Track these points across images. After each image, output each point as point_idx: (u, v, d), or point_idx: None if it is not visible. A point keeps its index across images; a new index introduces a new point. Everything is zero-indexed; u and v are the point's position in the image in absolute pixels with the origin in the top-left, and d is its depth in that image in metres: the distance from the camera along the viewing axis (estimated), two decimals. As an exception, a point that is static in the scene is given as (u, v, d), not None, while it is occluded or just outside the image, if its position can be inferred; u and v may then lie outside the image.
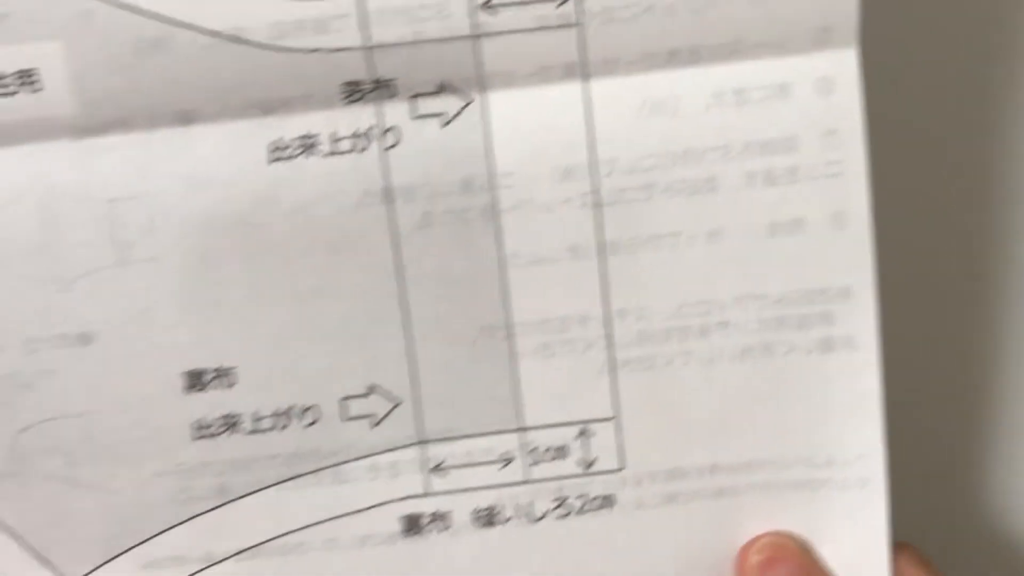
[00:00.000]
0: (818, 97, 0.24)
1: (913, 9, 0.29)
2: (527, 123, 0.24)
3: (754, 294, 0.25)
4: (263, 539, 0.26)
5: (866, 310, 0.25)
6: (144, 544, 0.26)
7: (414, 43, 0.24)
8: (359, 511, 0.26)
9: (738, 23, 0.24)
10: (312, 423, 0.26)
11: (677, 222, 0.25)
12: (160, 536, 0.26)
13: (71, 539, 0.26)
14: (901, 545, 0.27)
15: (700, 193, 0.25)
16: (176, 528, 0.26)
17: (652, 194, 0.25)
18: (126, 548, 0.26)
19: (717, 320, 0.25)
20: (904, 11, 0.29)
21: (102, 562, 0.26)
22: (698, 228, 0.25)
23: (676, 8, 0.23)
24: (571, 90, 0.24)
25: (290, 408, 0.25)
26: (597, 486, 0.26)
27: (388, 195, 0.25)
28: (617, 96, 0.24)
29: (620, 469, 0.26)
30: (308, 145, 0.24)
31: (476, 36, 0.24)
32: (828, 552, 0.26)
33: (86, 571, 0.26)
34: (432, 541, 0.26)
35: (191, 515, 0.26)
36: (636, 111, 0.24)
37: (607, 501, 0.26)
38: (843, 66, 0.24)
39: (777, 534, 0.26)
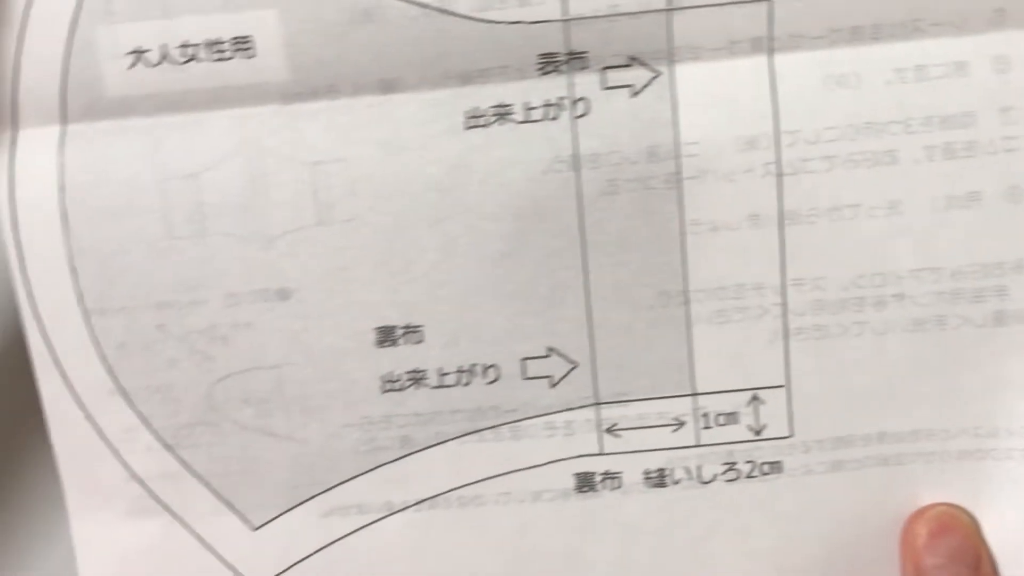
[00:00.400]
0: (995, 75, 0.25)
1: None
2: (713, 95, 0.25)
3: (930, 267, 0.26)
4: (441, 490, 0.27)
5: None
6: (327, 492, 0.27)
7: (609, 16, 0.25)
8: (535, 467, 0.27)
9: (918, 3, 0.24)
10: (493, 381, 0.27)
11: (856, 193, 0.25)
12: (343, 485, 0.27)
13: (257, 486, 0.27)
14: None
15: (880, 165, 0.25)
16: (359, 477, 0.27)
17: (833, 165, 0.25)
18: (309, 496, 0.27)
19: (892, 292, 0.26)
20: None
21: (285, 509, 0.28)
22: (877, 200, 0.25)
23: None
24: (757, 63, 0.25)
25: (473, 366, 0.27)
26: (766, 452, 0.27)
27: (576, 162, 0.26)
28: (801, 70, 0.25)
29: (789, 436, 0.27)
30: (502, 114, 0.26)
31: (669, 10, 0.25)
32: (990, 523, 0.27)
33: (269, 517, 0.28)
34: (603, 499, 0.27)
35: (374, 465, 0.27)
36: (819, 85, 0.25)
37: (775, 467, 0.27)
38: (1018, 46, 0.25)
39: (947, 505, 0.27)
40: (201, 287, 0.26)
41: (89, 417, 0.27)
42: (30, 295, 0.27)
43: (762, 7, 0.25)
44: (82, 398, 0.27)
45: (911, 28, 0.25)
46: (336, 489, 0.27)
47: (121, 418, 0.27)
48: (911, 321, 0.26)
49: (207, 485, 0.27)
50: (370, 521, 0.28)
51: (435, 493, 0.27)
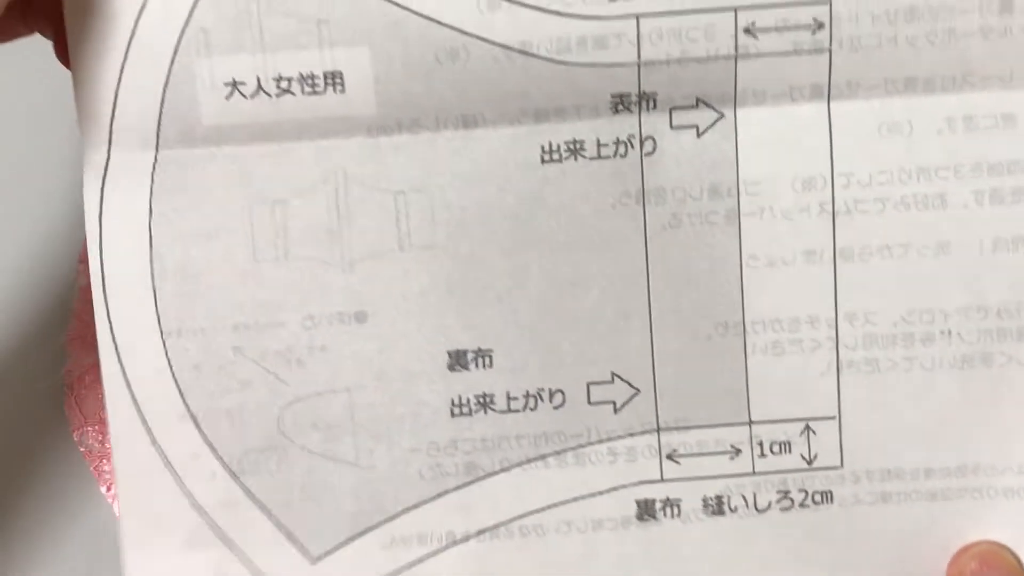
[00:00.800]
0: None
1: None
2: (773, 137, 0.27)
3: (977, 305, 0.27)
4: (504, 519, 0.28)
5: None
6: (389, 522, 0.28)
7: (680, 60, 0.27)
8: (597, 494, 0.28)
9: (971, 57, 0.26)
10: (559, 406, 0.28)
11: (907, 233, 0.27)
12: (406, 513, 0.28)
13: (319, 515, 0.28)
14: None
15: (930, 208, 0.27)
16: (423, 505, 0.28)
17: (885, 207, 0.27)
18: (371, 525, 0.28)
19: (940, 328, 0.27)
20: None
21: (345, 539, 0.28)
22: (927, 240, 0.27)
23: (917, 40, 0.26)
24: (815, 109, 0.27)
25: (540, 390, 0.28)
26: (818, 481, 0.28)
27: (642, 197, 0.27)
28: (856, 116, 0.27)
29: (839, 467, 0.28)
30: (575, 150, 0.27)
31: (736, 57, 0.27)
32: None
33: (329, 548, 0.28)
34: (664, 527, 0.28)
35: (439, 492, 0.28)
36: (873, 131, 0.27)
37: (826, 496, 0.28)
38: None
39: (992, 543, 0.28)
40: (280, 309, 0.27)
41: (155, 442, 0.28)
42: (108, 316, 0.28)
43: (823, 57, 0.27)
44: (150, 422, 0.28)
45: (961, 81, 0.27)
46: (399, 518, 0.28)
47: (188, 444, 0.28)
48: (959, 358, 0.27)
49: (268, 514, 0.28)
50: (431, 552, 0.28)
51: (498, 522, 0.28)
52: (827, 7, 0.26)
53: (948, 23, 0.26)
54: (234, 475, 0.28)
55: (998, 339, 0.27)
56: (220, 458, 0.28)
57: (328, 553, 0.28)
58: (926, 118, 0.27)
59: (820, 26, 0.26)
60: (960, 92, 0.27)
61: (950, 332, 0.27)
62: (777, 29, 0.26)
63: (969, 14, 0.26)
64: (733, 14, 0.26)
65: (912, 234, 0.27)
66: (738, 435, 0.28)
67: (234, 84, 0.27)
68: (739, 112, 0.27)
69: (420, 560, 0.28)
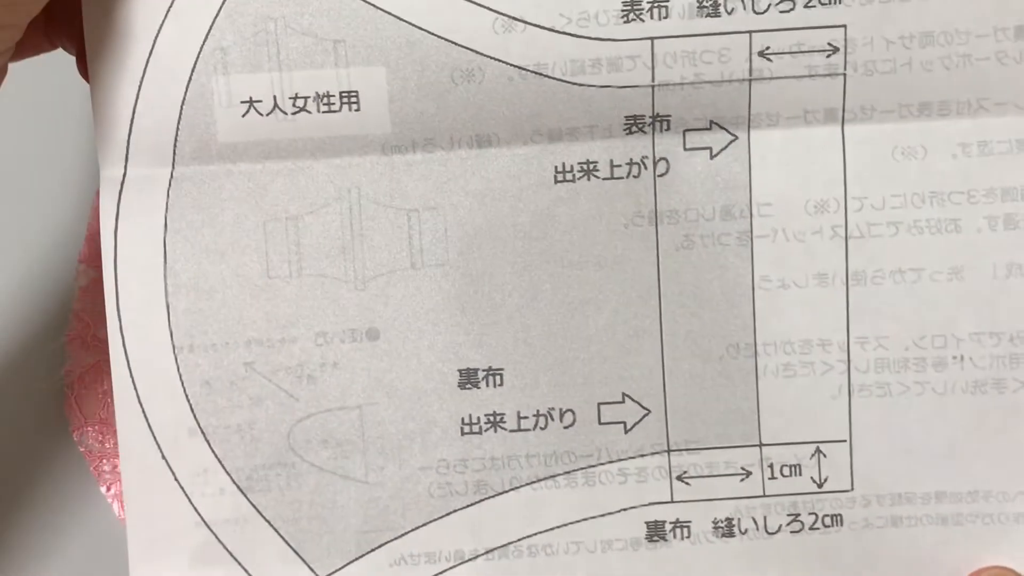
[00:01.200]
0: None
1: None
2: (786, 159, 0.27)
3: (990, 331, 0.27)
4: (513, 539, 0.28)
5: None
6: (397, 540, 0.28)
7: (694, 83, 0.27)
8: (607, 514, 0.28)
9: (985, 82, 0.27)
10: (570, 425, 0.28)
11: (920, 258, 0.27)
12: (414, 532, 0.28)
13: (327, 533, 0.28)
14: None
15: (943, 233, 0.27)
16: (431, 524, 0.28)
17: (898, 230, 0.27)
18: (379, 544, 0.28)
19: (953, 353, 0.27)
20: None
21: (353, 558, 0.28)
22: (940, 265, 0.27)
23: (932, 64, 0.26)
24: (829, 132, 0.27)
25: (551, 410, 0.28)
26: (827, 504, 0.28)
27: (655, 217, 0.27)
28: (870, 140, 0.27)
29: (850, 490, 0.28)
30: (588, 170, 0.27)
31: (750, 80, 0.27)
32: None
33: (336, 567, 0.28)
34: (673, 548, 0.28)
35: (447, 511, 0.28)
36: (887, 155, 0.27)
37: (836, 520, 0.28)
38: None
39: (1001, 568, 0.28)
40: (293, 325, 0.28)
41: (165, 457, 0.28)
42: (120, 331, 0.28)
43: (837, 81, 0.27)
44: (159, 437, 0.28)
45: (976, 107, 0.27)
46: (407, 536, 0.28)
47: (197, 459, 0.28)
48: (971, 383, 0.27)
49: (276, 531, 0.28)
50: (440, 571, 0.28)
51: (506, 541, 0.28)
52: (842, 31, 0.26)
53: (963, 48, 0.26)
54: (243, 491, 0.28)
55: (1011, 365, 0.27)
56: (229, 474, 0.28)
57: (335, 571, 0.28)
58: (940, 142, 0.27)
59: (835, 50, 0.26)
60: (975, 117, 0.27)
61: (963, 357, 0.27)
62: (792, 53, 0.26)
63: (985, 39, 0.26)
64: (748, 37, 0.26)
65: (925, 258, 0.27)
66: (749, 457, 0.28)
67: (251, 102, 0.27)
68: (753, 134, 0.27)
69: None
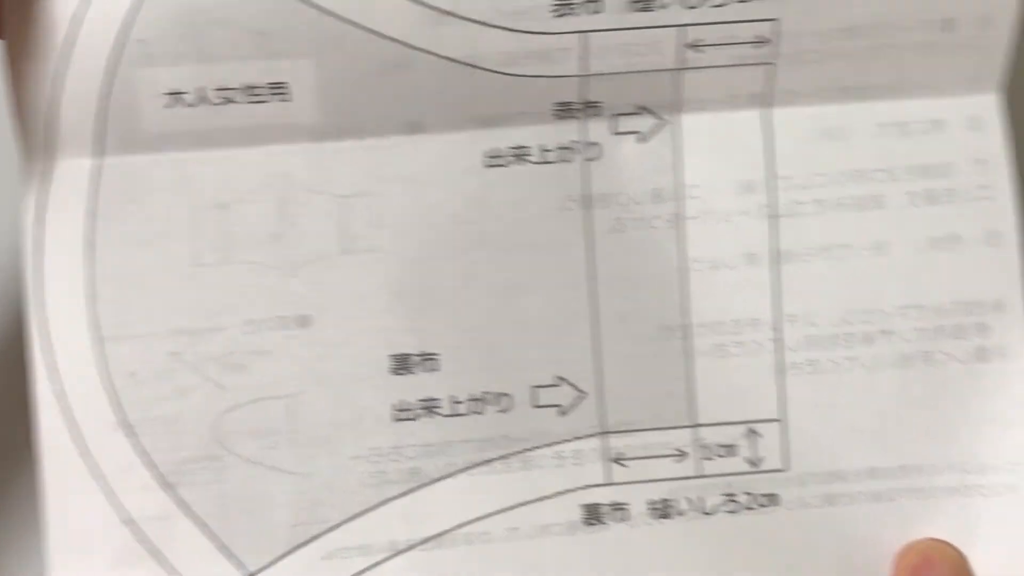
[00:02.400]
0: (969, 132, 0.28)
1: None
2: (714, 142, 0.28)
3: (915, 304, 0.28)
4: (449, 527, 0.27)
5: (1018, 322, 0.27)
6: (329, 532, 0.27)
7: (625, 73, 0.27)
8: (544, 498, 0.28)
9: (903, 69, 0.27)
10: (505, 410, 0.28)
11: (846, 234, 0.28)
12: (347, 524, 0.27)
13: (257, 527, 0.27)
14: None
15: (867, 209, 0.28)
16: (364, 514, 0.27)
17: (823, 209, 0.28)
18: (311, 537, 0.27)
19: (880, 328, 0.28)
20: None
21: (283, 552, 0.27)
22: (865, 240, 0.28)
23: (856, 54, 0.27)
24: (755, 115, 0.28)
25: (486, 394, 0.27)
26: (763, 484, 0.28)
27: (587, 201, 0.28)
28: (795, 122, 0.28)
29: (784, 469, 0.28)
30: (520, 155, 0.27)
31: (680, 69, 0.27)
32: (979, 559, 0.28)
33: (266, 562, 0.27)
34: (611, 531, 0.28)
35: (381, 500, 0.27)
36: (811, 136, 0.28)
37: (772, 499, 0.28)
38: (989, 108, 0.28)
39: (934, 540, 0.28)
40: (221, 314, 0.27)
41: (86, 453, 0.27)
42: (43, 323, 0.27)
43: (764, 68, 0.27)
44: (82, 432, 0.27)
45: (895, 90, 0.28)
46: (340, 528, 0.27)
47: (120, 455, 0.27)
48: (899, 357, 0.28)
49: (203, 527, 0.27)
50: (374, 563, 0.27)
51: (442, 530, 0.28)
52: (772, 24, 0.27)
53: (889, 39, 0.27)
54: (168, 486, 0.27)
55: (937, 338, 0.28)
56: (154, 468, 0.27)
57: (265, 567, 0.27)
58: (862, 124, 0.28)
59: (765, 42, 0.27)
60: (894, 99, 0.28)
61: (890, 332, 0.28)
62: (722, 44, 0.27)
63: (911, 31, 0.27)
64: (679, 31, 0.27)
65: (850, 235, 0.28)
66: (683, 438, 0.28)
67: (176, 93, 0.27)
68: (682, 119, 0.28)
69: (362, 572, 0.27)
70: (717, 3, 0.27)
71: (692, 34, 0.27)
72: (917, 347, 0.28)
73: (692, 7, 0.27)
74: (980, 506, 0.28)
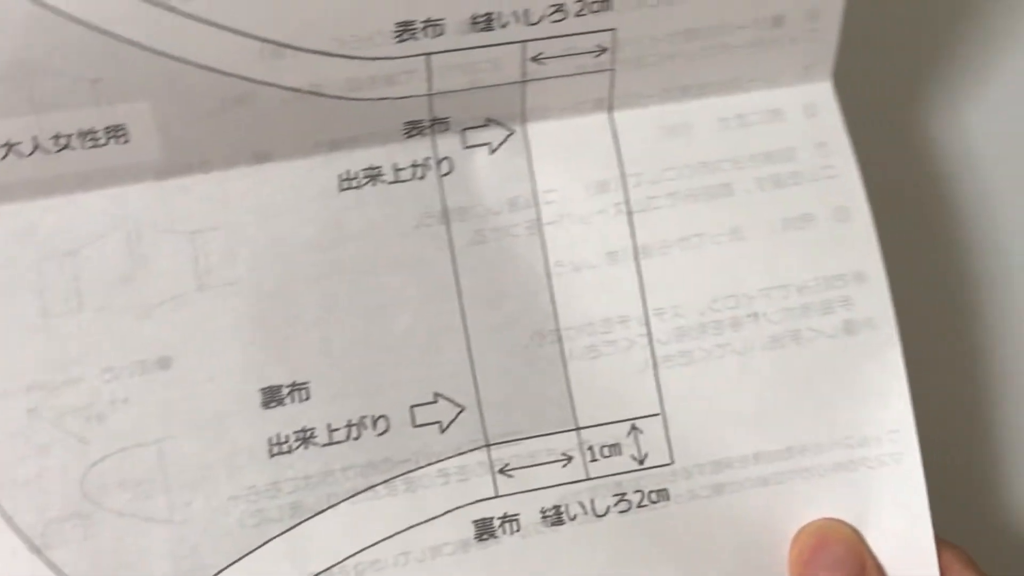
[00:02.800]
0: (806, 118, 0.29)
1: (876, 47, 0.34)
2: (563, 147, 0.28)
3: (778, 285, 0.28)
4: (338, 559, 0.26)
5: (880, 292, 0.28)
6: None
7: (470, 89, 0.27)
8: (433, 519, 0.27)
9: (739, 65, 0.28)
10: (383, 432, 0.27)
11: (701, 224, 0.28)
12: (229, 568, 0.26)
13: None
14: (948, 545, 0.28)
15: (718, 197, 0.28)
16: (247, 557, 0.26)
17: (676, 201, 0.28)
18: None
19: (747, 312, 0.28)
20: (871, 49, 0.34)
21: (164, 608, 0.26)
22: (720, 228, 0.28)
23: (693, 55, 0.28)
24: (601, 119, 0.28)
25: (362, 418, 0.27)
26: (651, 480, 0.28)
27: (445, 216, 0.28)
28: (638, 123, 0.28)
29: (670, 463, 0.28)
30: (373, 175, 0.27)
31: (524, 82, 0.27)
32: (873, 531, 0.28)
33: None
34: (504, 544, 0.27)
35: (263, 540, 0.26)
36: (655, 134, 0.28)
37: (662, 495, 0.28)
38: (823, 95, 0.29)
39: (827, 519, 0.28)
40: (76, 364, 0.26)
41: None
42: None
43: (605, 75, 0.28)
44: None
45: (733, 85, 0.28)
46: (223, 574, 0.26)
47: None
48: (769, 339, 0.28)
49: None
50: None
51: (330, 564, 0.26)
52: (610, 34, 0.28)
53: (723, 39, 0.28)
54: (37, 550, 0.26)
55: (803, 316, 0.28)
56: (20, 532, 0.25)
57: (147, 627, 0.26)
58: (703, 119, 0.28)
59: (604, 50, 0.28)
60: (732, 94, 0.28)
61: (756, 314, 0.28)
62: (563, 56, 0.27)
63: (744, 29, 0.28)
64: (521, 47, 0.27)
65: (705, 224, 0.28)
66: (568, 442, 0.27)
67: (8, 145, 0.26)
68: (529, 127, 0.28)
69: None
70: (556, 19, 0.27)
71: (533, 48, 0.27)
72: (785, 327, 0.28)
73: (532, 24, 0.27)
74: (868, 478, 0.28)
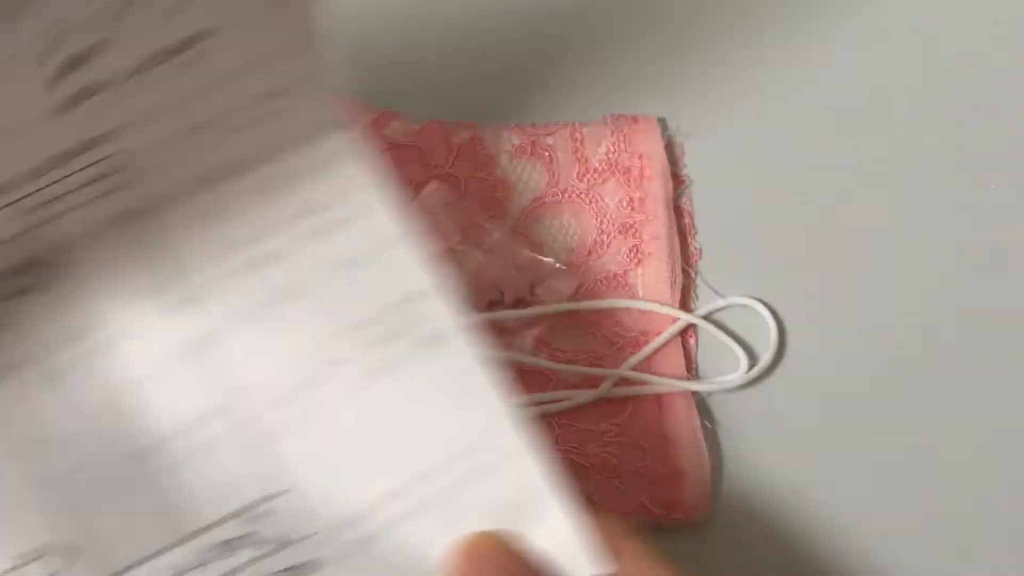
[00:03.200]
0: (331, 170, 0.30)
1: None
2: (108, 269, 0.28)
3: (346, 326, 0.28)
4: None
5: (442, 303, 0.28)
6: None
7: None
8: None
9: (254, 140, 0.29)
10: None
11: (255, 294, 0.28)
12: None
13: None
14: (609, 515, 0.28)
15: (266, 265, 0.29)
16: None
17: (223, 279, 0.28)
18: None
19: (329, 360, 0.28)
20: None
21: None
22: (274, 293, 0.28)
23: (206, 144, 0.29)
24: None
25: None
26: (302, 553, 0.27)
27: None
28: (189, 220, 0.29)
29: (315, 532, 0.27)
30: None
31: (39, 226, 0.28)
32: (530, 529, 0.27)
33: None
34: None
35: None
36: (202, 222, 0.29)
37: (314, 565, 0.27)
38: (340, 144, 0.30)
39: (476, 534, 0.27)
40: None
41: None
42: None
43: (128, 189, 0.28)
44: None
45: (258, 159, 0.29)
46: None
47: None
48: (363, 377, 0.28)
49: None
50: None
51: None
52: (117, 156, 0.27)
53: (230, 122, 0.28)
54: None
55: (384, 345, 0.28)
56: None
57: None
58: (236, 196, 0.29)
59: (117, 171, 0.28)
60: (259, 167, 0.29)
61: (340, 361, 0.28)
62: (71, 192, 0.28)
63: (245, 110, 0.28)
64: (23, 201, 0.27)
65: (259, 294, 0.28)
66: (190, 552, 0.26)
67: None
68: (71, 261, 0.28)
69: None
70: (60, 176, 0.27)
71: (37, 199, 0.27)
72: (371, 362, 0.28)
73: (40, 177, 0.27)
74: (494, 483, 0.28)
